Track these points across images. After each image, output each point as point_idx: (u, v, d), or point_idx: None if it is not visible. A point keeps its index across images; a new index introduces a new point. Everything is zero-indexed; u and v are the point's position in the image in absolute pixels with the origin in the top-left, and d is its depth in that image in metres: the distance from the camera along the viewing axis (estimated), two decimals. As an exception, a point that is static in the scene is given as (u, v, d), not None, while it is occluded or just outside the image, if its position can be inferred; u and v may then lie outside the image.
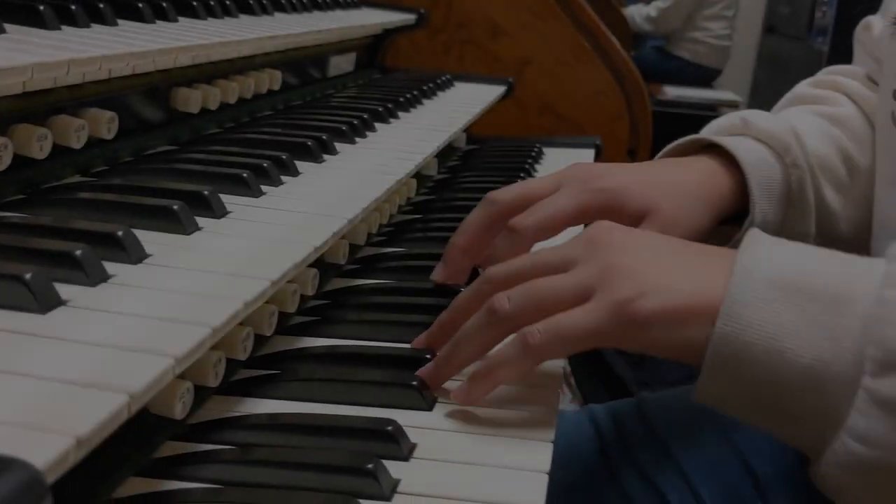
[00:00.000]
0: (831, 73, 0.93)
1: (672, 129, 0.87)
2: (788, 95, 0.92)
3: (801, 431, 0.50)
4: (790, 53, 4.79)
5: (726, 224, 0.76)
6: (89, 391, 0.37)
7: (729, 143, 0.76)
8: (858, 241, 0.84)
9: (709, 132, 0.82)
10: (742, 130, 0.79)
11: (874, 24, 0.88)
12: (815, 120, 0.85)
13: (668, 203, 0.68)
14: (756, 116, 0.80)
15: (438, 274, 0.69)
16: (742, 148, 0.76)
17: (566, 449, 0.89)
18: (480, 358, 0.57)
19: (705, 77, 4.68)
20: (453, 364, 0.57)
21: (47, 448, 0.33)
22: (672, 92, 4.18)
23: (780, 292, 0.49)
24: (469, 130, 1.42)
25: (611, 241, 0.55)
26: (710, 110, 3.85)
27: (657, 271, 0.52)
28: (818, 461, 0.50)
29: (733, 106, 4.06)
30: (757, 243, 0.53)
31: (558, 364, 0.64)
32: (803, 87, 0.92)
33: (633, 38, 4.59)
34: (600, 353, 1.86)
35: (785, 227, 0.79)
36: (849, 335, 0.47)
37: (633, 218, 0.69)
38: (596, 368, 1.85)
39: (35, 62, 0.54)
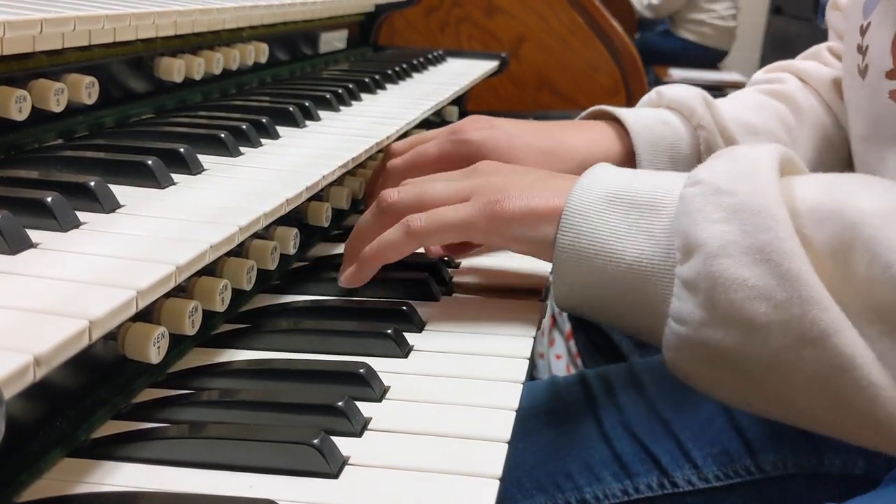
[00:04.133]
0: (798, 59, 1.01)
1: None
2: (747, 84, 1.01)
3: (640, 323, 0.58)
4: (797, 34, 4.76)
5: None
6: (52, 317, 0.39)
7: (622, 111, 0.84)
8: None
9: (638, 107, 0.90)
10: (657, 102, 0.88)
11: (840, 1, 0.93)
12: (754, 95, 0.94)
13: (529, 162, 0.77)
14: (668, 89, 0.89)
15: None
16: (635, 114, 0.84)
17: (556, 410, 0.90)
18: None
19: (712, 59, 4.66)
20: (356, 255, 0.65)
21: (7, 363, 0.34)
22: (678, 74, 4.16)
23: (608, 203, 0.58)
24: (463, 106, 1.43)
25: (488, 167, 0.67)
26: (717, 91, 3.84)
27: (521, 184, 0.63)
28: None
29: (739, 87, 4.04)
30: (599, 167, 0.62)
31: (531, 314, 0.65)
32: (758, 74, 1.02)
33: (639, 22, 4.58)
34: (602, 330, 1.86)
35: None
36: (663, 233, 0.56)
37: None
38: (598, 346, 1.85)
39: (6, 20, 0.55)
